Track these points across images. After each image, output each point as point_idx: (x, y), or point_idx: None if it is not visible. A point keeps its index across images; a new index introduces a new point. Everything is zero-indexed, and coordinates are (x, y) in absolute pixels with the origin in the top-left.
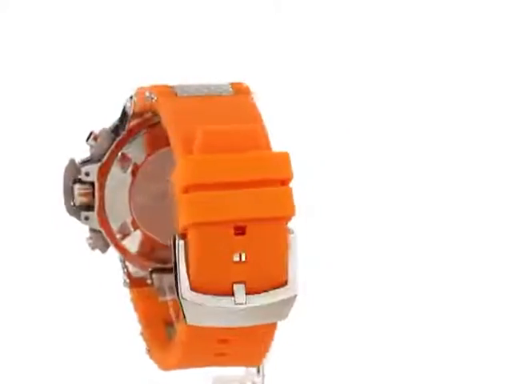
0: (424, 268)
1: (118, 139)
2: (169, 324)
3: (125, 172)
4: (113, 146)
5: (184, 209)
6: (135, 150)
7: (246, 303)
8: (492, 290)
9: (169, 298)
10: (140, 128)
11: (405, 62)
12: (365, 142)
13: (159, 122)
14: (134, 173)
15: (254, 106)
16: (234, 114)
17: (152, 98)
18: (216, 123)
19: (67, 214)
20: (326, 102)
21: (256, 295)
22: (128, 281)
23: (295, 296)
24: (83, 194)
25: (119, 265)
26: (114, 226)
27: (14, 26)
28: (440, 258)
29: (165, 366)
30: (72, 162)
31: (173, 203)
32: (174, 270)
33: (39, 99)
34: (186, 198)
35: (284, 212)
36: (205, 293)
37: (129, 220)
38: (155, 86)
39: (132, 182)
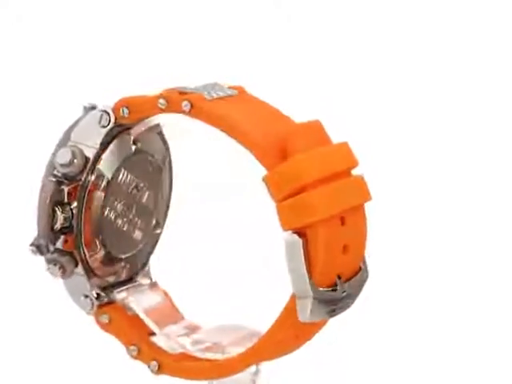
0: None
1: (93, 155)
2: (150, 334)
3: (99, 189)
4: (89, 163)
5: (306, 206)
6: (107, 165)
7: (346, 292)
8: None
9: (140, 311)
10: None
11: (404, 59)
12: (363, 138)
13: (120, 132)
14: (104, 188)
15: (268, 104)
16: (267, 113)
17: (181, 105)
18: (271, 123)
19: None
20: (325, 100)
21: (348, 282)
22: (96, 303)
23: (367, 279)
24: (66, 216)
25: (81, 292)
26: (85, 246)
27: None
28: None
29: (212, 373)
30: (53, 183)
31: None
32: (290, 269)
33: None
34: (306, 196)
35: (365, 198)
36: (321, 287)
37: (98, 239)
38: (173, 92)
39: (102, 198)
